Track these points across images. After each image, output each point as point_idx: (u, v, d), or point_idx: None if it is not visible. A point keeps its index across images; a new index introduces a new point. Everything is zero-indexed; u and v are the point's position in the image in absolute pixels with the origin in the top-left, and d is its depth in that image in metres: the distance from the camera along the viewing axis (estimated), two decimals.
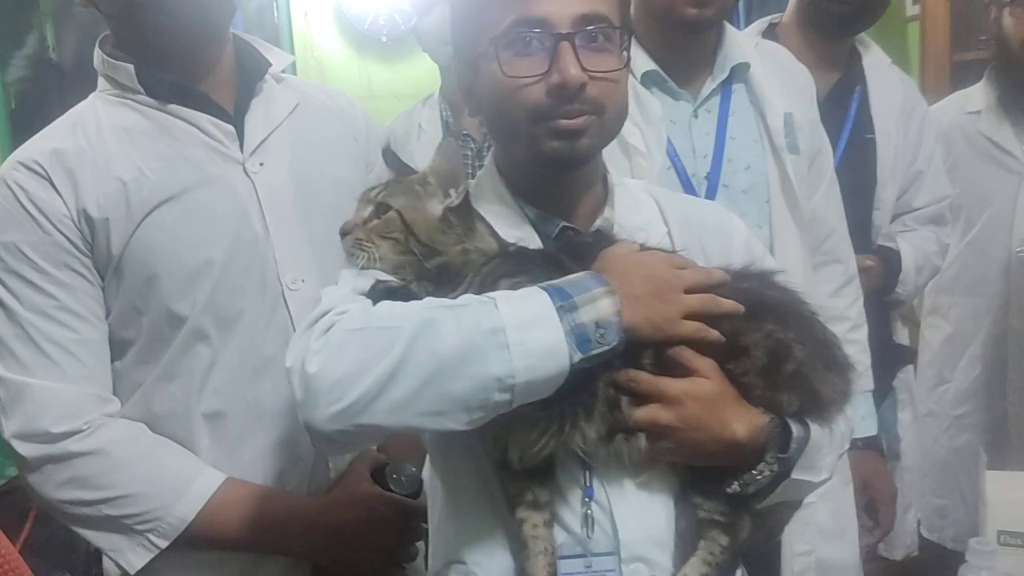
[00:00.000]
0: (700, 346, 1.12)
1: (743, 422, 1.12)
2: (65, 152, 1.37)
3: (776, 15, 2.39)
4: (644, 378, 1.11)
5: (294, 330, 1.30)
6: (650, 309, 1.09)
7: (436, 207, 1.19)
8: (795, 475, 1.16)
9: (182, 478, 1.37)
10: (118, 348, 1.40)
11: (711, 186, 1.74)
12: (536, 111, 1.18)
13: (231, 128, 1.45)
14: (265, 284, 1.42)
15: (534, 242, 1.24)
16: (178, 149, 1.41)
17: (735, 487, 1.13)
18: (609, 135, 1.26)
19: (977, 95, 2.57)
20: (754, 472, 1.13)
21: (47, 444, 1.33)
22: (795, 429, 1.15)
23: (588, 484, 1.15)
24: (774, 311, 1.17)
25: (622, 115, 1.27)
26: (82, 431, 1.34)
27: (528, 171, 1.26)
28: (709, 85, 1.77)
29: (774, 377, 1.14)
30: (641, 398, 1.12)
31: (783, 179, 1.77)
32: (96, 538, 1.38)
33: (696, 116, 1.77)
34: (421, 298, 1.12)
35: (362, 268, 1.16)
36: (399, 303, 1.09)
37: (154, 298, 1.37)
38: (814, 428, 1.17)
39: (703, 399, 1.11)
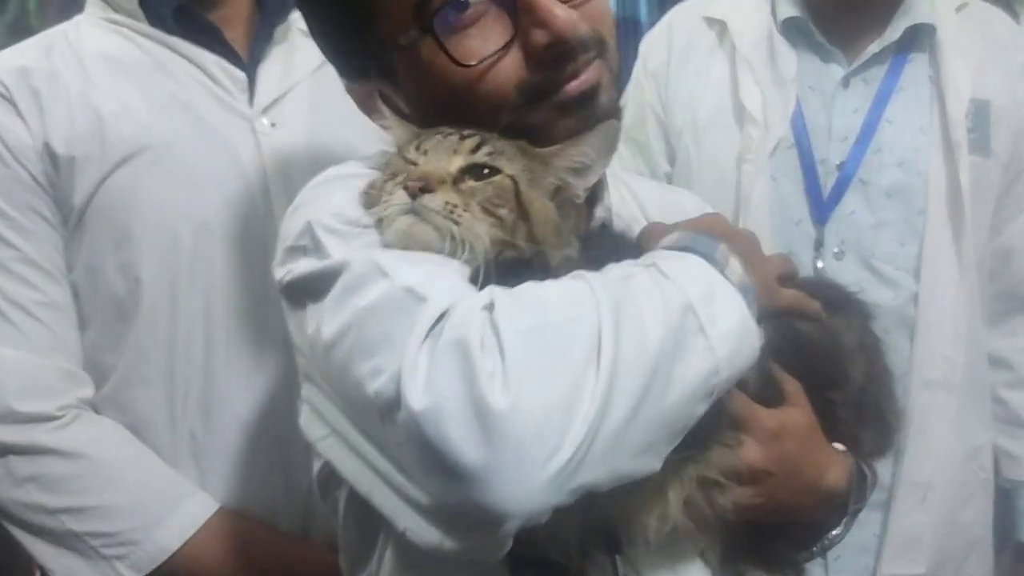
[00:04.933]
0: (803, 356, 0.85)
1: (838, 467, 0.86)
2: (33, 72, 1.14)
3: None
4: (741, 401, 0.80)
5: None
6: (755, 270, 0.80)
7: (553, 194, 0.81)
8: None
9: (169, 499, 1.12)
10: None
11: (843, 179, 1.33)
12: (527, 92, 0.81)
13: (242, 76, 1.21)
14: (263, 269, 1.14)
15: None
16: (173, 90, 1.17)
17: (815, 552, 0.89)
18: (616, 76, 0.88)
19: None
20: (838, 530, 0.88)
21: (10, 426, 1.10)
22: (868, 472, 0.91)
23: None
24: (849, 306, 0.94)
25: (615, 43, 0.89)
26: (55, 419, 1.11)
27: None
28: (874, 47, 1.34)
29: (862, 405, 0.91)
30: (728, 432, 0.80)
31: (952, 186, 1.32)
32: (47, 556, 1.12)
33: (846, 86, 1.35)
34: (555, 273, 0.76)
35: (446, 251, 0.75)
36: (549, 283, 0.72)
37: (122, 265, 1.12)
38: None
39: (798, 437, 0.83)
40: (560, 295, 0.70)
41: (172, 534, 1.11)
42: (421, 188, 0.73)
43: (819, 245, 1.33)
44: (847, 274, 1.32)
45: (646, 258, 0.75)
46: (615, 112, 0.88)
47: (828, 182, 1.34)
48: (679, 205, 1.06)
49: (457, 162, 0.76)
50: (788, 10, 1.35)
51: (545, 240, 0.77)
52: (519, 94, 0.81)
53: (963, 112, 1.30)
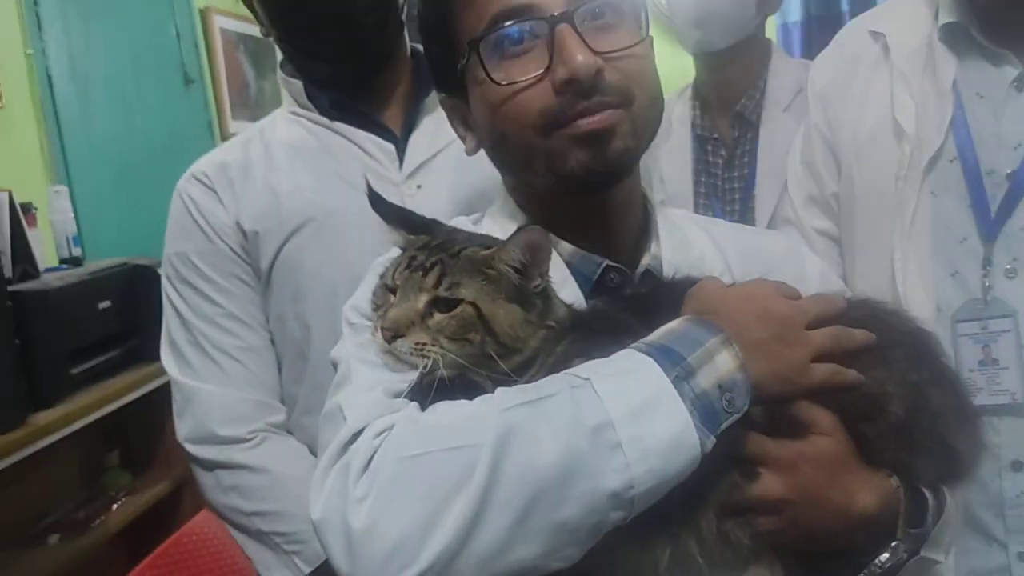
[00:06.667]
0: (830, 395, 0.87)
1: (870, 491, 0.87)
2: (231, 165, 1.41)
3: None
4: (750, 438, 0.85)
5: None
6: (774, 357, 0.83)
7: (513, 293, 0.88)
8: (921, 553, 0.89)
9: None
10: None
11: (1014, 189, 1.22)
12: (546, 117, 0.94)
13: (391, 147, 1.41)
14: None
15: (571, 288, 1.00)
16: (335, 168, 1.39)
17: None
18: (645, 131, 0.98)
19: None
20: (885, 555, 0.87)
21: (216, 447, 1.37)
22: (929, 497, 0.90)
23: None
24: (899, 345, 0.91)
25: (656, 102, 0.99)
26: (247, 441, 1.37)
27: (554, 199, 1.01)
28: None
29: (910, 436, 0.89)
30: (744, 465, 0.85)
31: None
32: (250, 548, 1.39)
33: (1021, 88, 1.24)
34: (484, 388, 0.85)
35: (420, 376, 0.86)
36: (461, 404, 0.81)
37: (297, 314, 1.36)
38: (947, 494, 0.92)
39: (822, 464, 0.85)
40: (457, 421, 0.79)
41: None
42: (393, 336, 0.86)
43: (987, 264, 1.23)
44: (1020, 294, 1.21)
45: (590, 369, 0.80)
46: (631, 160, 0.97)
47: (997, 195, 1.23)
48: (765, 249, 1.11)
49: (423, 299, 0.87)
50: (946, 15, 1.27)
51: (514, 341, 0.86)
52: (540, 117, 0.94)
53: None
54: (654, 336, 0.83)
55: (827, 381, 0.84)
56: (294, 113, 1.46)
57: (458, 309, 0.86)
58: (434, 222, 0.99)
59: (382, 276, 0.93)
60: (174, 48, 3.95)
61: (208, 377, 1.39)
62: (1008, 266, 1.22)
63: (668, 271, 1.02)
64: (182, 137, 3.87)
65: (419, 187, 1.39)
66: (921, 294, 1.25)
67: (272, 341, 1.42)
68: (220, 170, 1.42)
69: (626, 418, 0.75)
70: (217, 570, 1.99)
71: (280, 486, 1.35)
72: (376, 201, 0.98)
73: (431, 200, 1.37)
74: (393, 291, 0.89)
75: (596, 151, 0.94)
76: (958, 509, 0.96)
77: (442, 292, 0.86)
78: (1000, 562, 1.22)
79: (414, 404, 0.83)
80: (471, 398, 0.82)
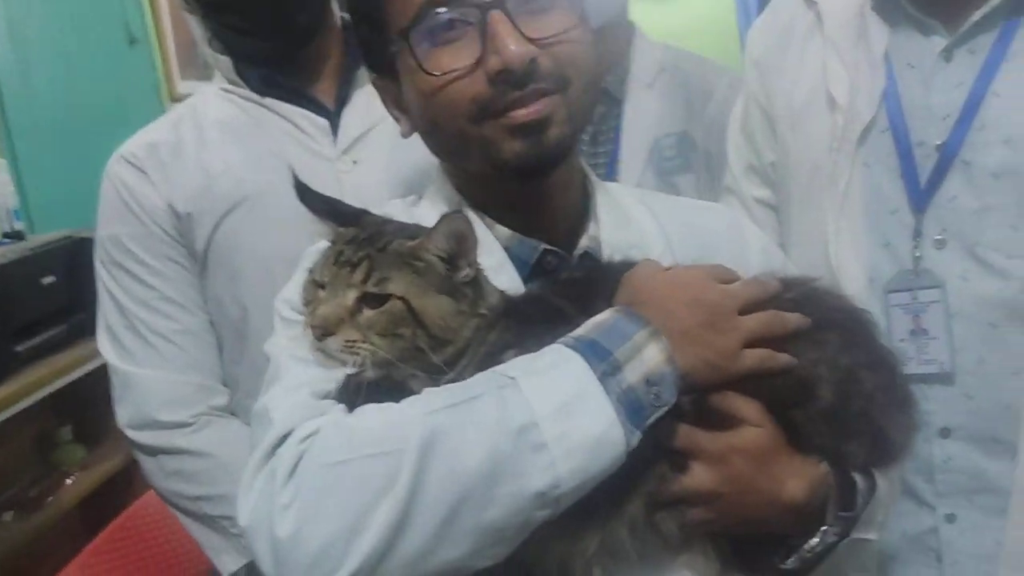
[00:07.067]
0: (758, 380, 0.87)
1: (800, 478, 0.88)
2: (161, 145, 1.37)
3: None
4: (681, 431, 0.85)
5: None
6: (704, 345, 0.84)
7: (443, 284, 0.88)
8: (853, 534, 0.92)
9: None
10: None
11: (943, 160, 1.22)
12: (479, 107, 0.92)
13: (324, 123, 1.37)
14: None
15: (508, 272, 0.99)
16: (268, 145, 1.36)
17: (792, 561, 0.89)
18: (582, 115, 0.97)
19: None
20: (815, 540, 0.89)
21: (157, 432, 1.36)
22: (859, 481, 0.92)
23: None
24: (834, 328, 0.91)
25: (592, 85, 0.98)
26: (189, 425, 1.36)
27: (490, 184, 1.00)
28: (978, 15, 1.21)
29: (840, 420, 0.89)
30: (675, 457, 0.86)
31: None
32: (197, 532, 1.38)
33: (949, 59, 1.24)
34: (412, 388, 0.84)
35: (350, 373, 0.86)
36: (387, 407, 0.80)
37: (234, 296, 1.34)
38: (878, 478, 0.93)
39: (751, 454, 0.87)
40: (381, 426, 0.78)
41: None
42: (323, 333, 0.84)
43: (917, 234, 1.24)
44: (949, 265, 1.22)
45: (517, 367, 0.80)
46: (568, 146, 0.96)
47: (927, 165, 1.23)
48: (706, 224, 1.11)
49: (352, 295, 0.85)
50: None
51: (445, 333, 0.85)
52: (473, 105, 0.92)
53: None
54: (582, 330, 0.83)
55: (758, 367, 0.85)
56: (225, 90, 1.42)
57: (387, 304, 0.84)
58: (364, 212, 0.97)
59: (311, 271, 0.91)
60: (116, 6, 3.84)
61: (146, 362, 1.37)
62: (937, 237, 1.23)
63: (607, 252, 1.01)
64: (128, 101, 3.77)
65: (355, 162, 1.36)
66: (854, 264, 1.26)
67: (211, 323, 1.41)
68: (150, 151, 1.38)
69: (551, 417, 0.76)
70: (175, 541, 2.00)
71: (224, 469, 1.34)
72: (303, 193, 0.96)
73: (368, 175, 1.35)
74: (322, 286, 0.88)
75: (532, 141, 0.92)
76: (892, 487, 0.98)
77: (371, 288, 0.85)
78: (929, 524, 1.26)
79: (340, 407, 0.83)
80: (399, 398, 0.82)
